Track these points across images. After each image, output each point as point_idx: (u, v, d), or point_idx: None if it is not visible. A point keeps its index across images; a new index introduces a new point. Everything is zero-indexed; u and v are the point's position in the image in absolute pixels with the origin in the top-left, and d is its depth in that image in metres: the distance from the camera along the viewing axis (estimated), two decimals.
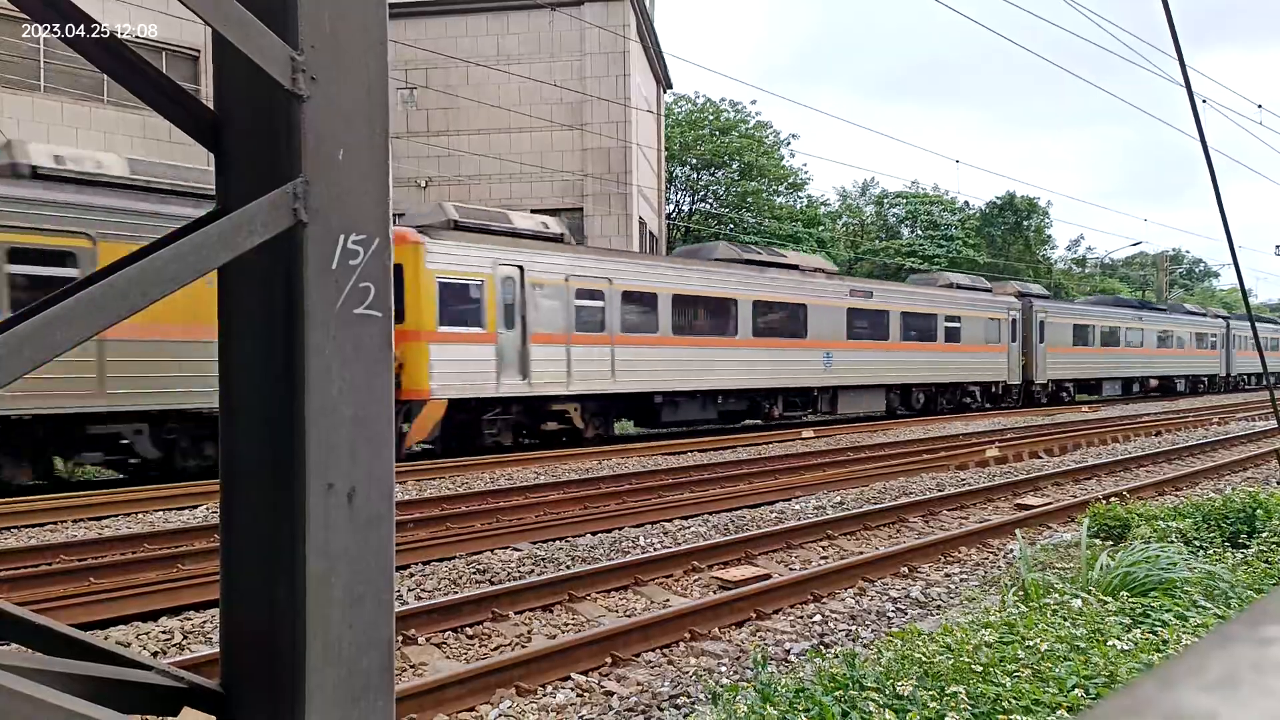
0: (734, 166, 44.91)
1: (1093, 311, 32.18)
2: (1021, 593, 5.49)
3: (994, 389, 26.99)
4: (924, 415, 24.05)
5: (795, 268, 21.02)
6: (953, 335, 24.72)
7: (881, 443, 17.16)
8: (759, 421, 20.17)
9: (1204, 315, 41.08)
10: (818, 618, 6.13)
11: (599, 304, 16.26)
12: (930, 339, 24.05)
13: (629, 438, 18.72)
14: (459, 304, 14.35)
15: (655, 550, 7.98)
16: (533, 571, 7.28)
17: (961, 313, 25.16)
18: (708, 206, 46.34)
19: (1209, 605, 5.06)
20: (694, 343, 17.85)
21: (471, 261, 14.48)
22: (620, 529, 9.06)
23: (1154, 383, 36.97)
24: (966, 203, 55.75)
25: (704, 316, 18.31)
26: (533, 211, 23.06)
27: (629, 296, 16.69)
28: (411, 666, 5.23)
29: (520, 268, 15.01)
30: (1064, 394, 30.67)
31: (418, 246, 13.95)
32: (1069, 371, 30.10)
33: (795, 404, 20.90)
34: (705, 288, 18.16)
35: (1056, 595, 5.16)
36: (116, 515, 10.08)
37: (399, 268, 13.42)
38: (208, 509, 10.42)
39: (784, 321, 19.89)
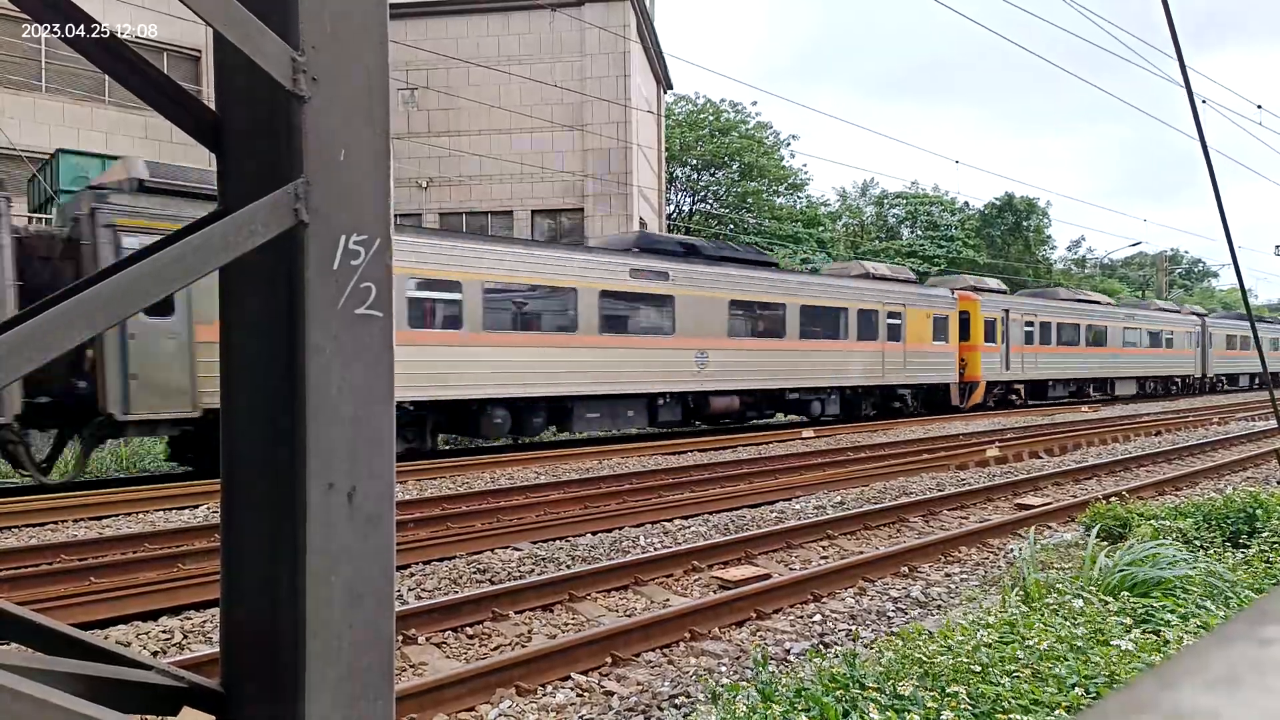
0: (734, 167, 44.90)
1: (1234, 325, 44.33)
2: (1022, 593, 5.49)
3: (1186, 380, 39.81)
4: (1150, 398, 36.31)
5: (1097, 302, 34.49)
6: (1169, 343, 37.46)
7: (881, 442, 17.16)
8: (1075, 399, 32.74)
9: None
10: (818, 617, 6.13)
11: (1031, 329, 28.70)
12: (1159, 345, 36.79)
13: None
14: (990, 331, 26.50)
15: (655, 550, 7.98)
16: (533, 571, 7.29)
17: (1174, 328, 37.97)
18: (708, 207, 46.33)
19: (1209, 605, 5.07)
20: (1065, 350, 30.69)
21: (995, 309, 26.88)
22: (620, 529, 9.06)
23: (1270, 376, 46.43)
24: (966, 203, 55.78)
25: (1069, 334, 30.90)
26: (534, 212, 23.20)
27: (1043, 325, 29.36)
28: (411, 666, 5.23)
29: (1006, 310, 27.41)
30: (1219, 383, 42.78)
31: (977, 302, 26.23)
32: (1223, 369, 42.76)
33: (1101, 388, 34.09)
34: (1066, 317, 30.93)
35: (1057, 595, 5.16)
36: (117, 515, 10.08)
37: (968, 312, 25.93)
38: (208, 509, 10.42)
39: (1100, 335, 32.70)
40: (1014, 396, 29.08)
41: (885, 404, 23.85)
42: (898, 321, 23.03)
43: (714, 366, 18.34)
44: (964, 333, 25.80)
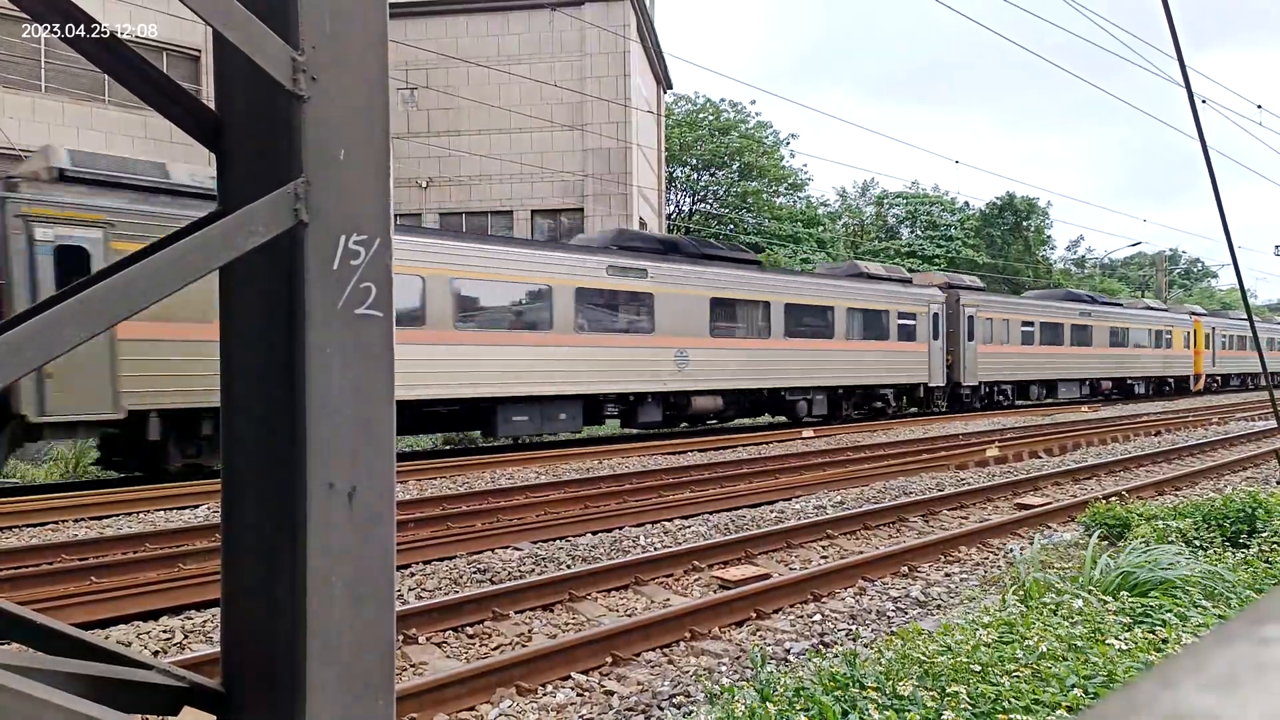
0: (734, 167, 44.89)
1: None
2: (1022, 592, 5.49)
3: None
4: (1244, 390, 46.96)
5: (1250, 320, 43.19)
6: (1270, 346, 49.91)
7: (881, 442, 17.16)
8: (1240, 386, 46.38)
9: None
10: (818, 617, 6.14)
11: (1225, 339, 41.93)
12: (1249, 349, 48.93)
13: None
14: (1206, 341, 40.55)
15: (655, 550, 7.98)
16: (533, 571, 7.29)
17: (1276, 337, 50.67)
18: (707, 207, 46.31)
19: (1209, 605, 5.07)
20: (1238, 354, 44.35)
21: (1208, 327, 40.83)
22: (620, 528, 9.07)
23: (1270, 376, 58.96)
24: (966, 203, 55.76)
25: (1239, 343, 44.09)
26: (534, 212, 23.26)
27: (1229, 336, 43.51)
28: (412, 666, 5.23)
29: (1214, 328, 41.63)
30: None
31: (1200, 323, 40.86)
32: None
33: (1255, 379, 47.09)
34: (1239, 331, 43.93)
35: (1056, 595, 5.16)
36: (118, 515, 10.08)
37: (1196, 329, 40.81)
38: (209, 508, 10.42)
39: (1244, 343, 45.42)
40: (1214, 384, 43.06)
41: (1159, 387, 38.70)
42: (1169, 336, 38.62)
43: (1104, 363, 33.69)
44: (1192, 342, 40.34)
